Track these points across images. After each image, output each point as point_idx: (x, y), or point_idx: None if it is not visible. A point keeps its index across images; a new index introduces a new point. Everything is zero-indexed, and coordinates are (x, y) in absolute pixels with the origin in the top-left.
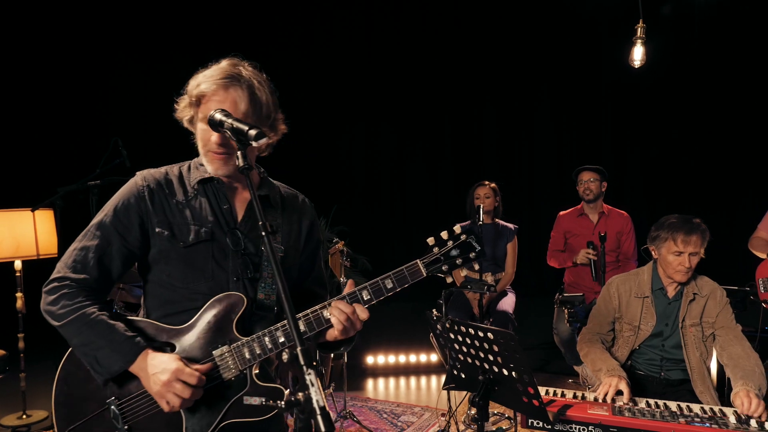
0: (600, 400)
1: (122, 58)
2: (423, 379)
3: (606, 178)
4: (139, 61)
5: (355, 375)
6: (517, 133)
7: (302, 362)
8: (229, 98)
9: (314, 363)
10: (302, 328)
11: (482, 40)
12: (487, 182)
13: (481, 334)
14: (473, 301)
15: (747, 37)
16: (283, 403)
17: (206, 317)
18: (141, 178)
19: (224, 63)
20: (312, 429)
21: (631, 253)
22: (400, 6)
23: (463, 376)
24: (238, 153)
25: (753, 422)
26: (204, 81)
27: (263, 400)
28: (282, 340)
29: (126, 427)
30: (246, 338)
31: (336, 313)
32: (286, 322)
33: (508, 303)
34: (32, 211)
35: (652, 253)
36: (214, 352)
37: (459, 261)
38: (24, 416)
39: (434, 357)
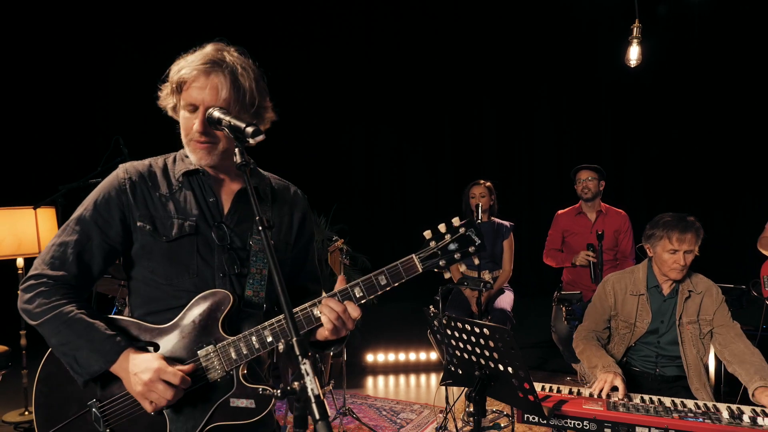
0: (595, 396)
1: (124, 57)
2: (422, 377)
3: (604, 177)
4: (141, 59)
5: (355, 373)
6: (516, 133)
7: (297, 352)
8: (210, 84)
9: (309, 354)
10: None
11: (482, 40)
12: (482, 181)
13: (477, 330)
14: (471, 299)
15: (745, 35)
16: (279, 391)
17: (191, 315)
18: (123, 170)
19: (208, 48)
20: (306, 419)
21: (629, 251)
22: (400, 6)
23: (460, 372)
24: (236, 150)
25: (746, 417)
26: (185, 66)
27: (251, 401)
28: (270, 339)
29: (108, 430)
30: (232, 338)
31: (326, 312)
32: (274, 321)
33: (506, 301)
34: (34, 209)
35: (648, 251)
36: (198, 352)
37: (457, 255)
38: (26, 413)
39: (433, 355)
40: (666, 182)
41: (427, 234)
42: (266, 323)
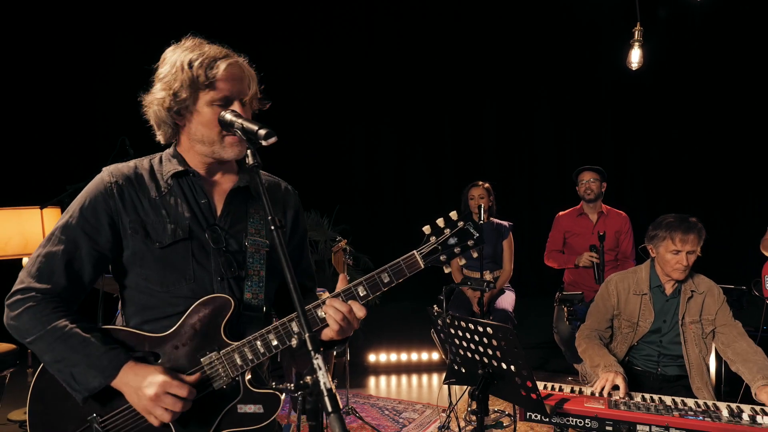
0: (597, 395)
1: (127, 57)
2: (424, 377)
3: (606, 179)
4: (146, 59)
5: (357, 373)
6: (517, 134)
7: (310, 347)
8: (245, 77)
9: (321, 348)
10: (295, 329)
11: (483, 40)
12: (480, 182)
13: (480, 329)
14: (473, 299)
15: (745, 36)
16: (292, 385)
17: (191, 322)
18: (108, 174)
19: (211, 46)
20: (320, 410)
21: (630, 252)
22: (401, 6)
23: (463, 370)
24: (248, 151)
25: (745, 416)
26: (215, 59)
27: (260, 406)
28: (275, 343)
29: None
30: (236, 343)
31: (332, 313)
32: (278, 324)
33: (507, 301)
34: (41, 208)
35: (650, 251)
36: (202, 359)
37: (457, 250)
38: None
39: (435, 355)
40: (666, 183)
41: (426, 229)
42: (270, 327)
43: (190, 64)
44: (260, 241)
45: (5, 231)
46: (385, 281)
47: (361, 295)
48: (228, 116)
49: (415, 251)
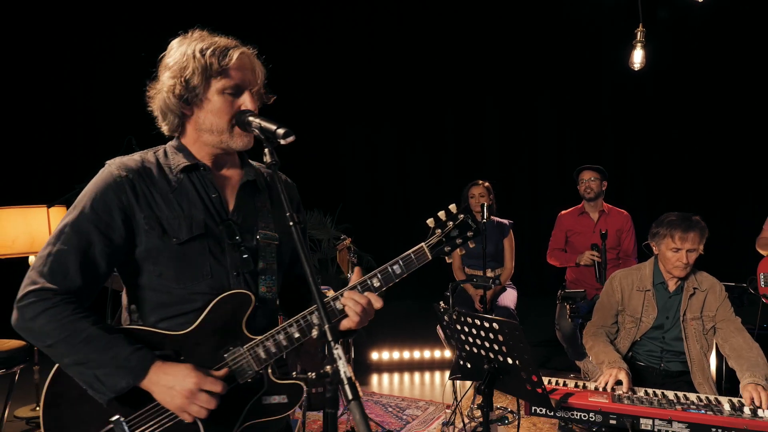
0: (600, 389)
1: (131, 57)
2: (426, 375)
3: (606, 178)
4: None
5: (361, 370)
6: (518, 134)
7: (330, 338)
8: (257, 68)
9: (340, 340)
10: (315, 320)
11: (485, 40)
12: (480, 181)
13: (486, 324)
14: (475, 297)
15: (746, 37)
16: (313, 374)
17: (212, 319)
18: (116, 167)
19: (220, 37)
20: (340, 399)
21: (631, 250)
22: (403, 5)
23: (469, 365)
24: (266, 150)
25: (746, 409)
26: (227, 48)
27: (284, 396)
28: (297, 335)
29: None
30: (259, 337)
31: (351, 305)
32: (299, 317)
33: (509, 298)
34: (48, 207)
35: (653, 248)
36: (226, 355)
37: (459, 241)
38: (37, 408)
39: (437, 353)
40: (666, 183)
41: (431, 222)
42: (291, 320)
43: (202, 52)
44: (271, 235)
45: (12, 230)
46: (397, 272)
47: (376, 286)
48: (247, 116)
49: (423, 243)
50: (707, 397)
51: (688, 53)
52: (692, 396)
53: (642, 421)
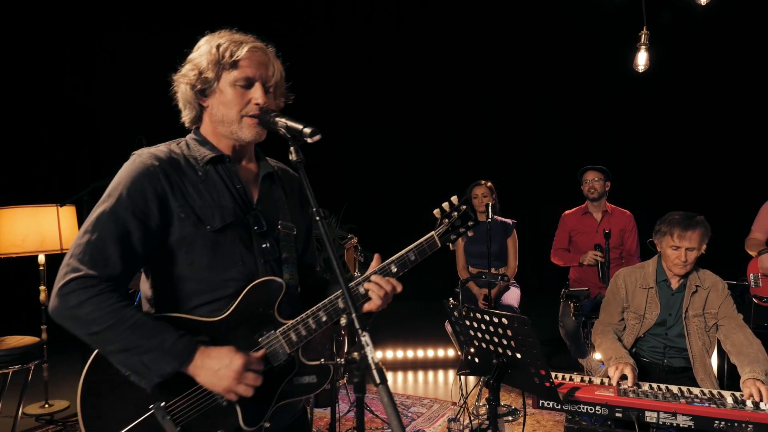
0: (606, 383)
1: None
2: (430, 373)
3: (609, 178)
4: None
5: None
6: (519, 134)
7: (357, 326)
8: (270, 62)
9: (367, 327)
10: (341, 305)
11: (487, 41)
12: (483, 181)
13: (495, 320)
14: (479, 295)
15: (746, 38)
16: (342, 360)
17: (245, 305)
18: (148, 157)
19: (241, 34)
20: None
21: (634, 249)
22: (404, 7)
23: (477, 360)
24: (291, 148)
25: (749, 402)
26: (240, 42)
27: (313, 377)
28: (325, 319)
29: (179, 428)
30: (290, 322)
31: (375, 289)
32: (326, 302)
33: (513, 297)
34: (60, 206)
35: (657, 246)
36: (261, 339)
37: (462, 230)
38: (46, 405)
39: (441, 352)
40: (666, 182)
41: (437, 213)
42: (320, 305)
43: (218, 47)
44: (290, 226)
45: (23, 228)
46: (412, 259)
47: (394, 271)
48: (273, 116)
49: (433, 232)
50: (710, 391)
51: (688, 54)
52: (696, 390)
53: (647, 414)
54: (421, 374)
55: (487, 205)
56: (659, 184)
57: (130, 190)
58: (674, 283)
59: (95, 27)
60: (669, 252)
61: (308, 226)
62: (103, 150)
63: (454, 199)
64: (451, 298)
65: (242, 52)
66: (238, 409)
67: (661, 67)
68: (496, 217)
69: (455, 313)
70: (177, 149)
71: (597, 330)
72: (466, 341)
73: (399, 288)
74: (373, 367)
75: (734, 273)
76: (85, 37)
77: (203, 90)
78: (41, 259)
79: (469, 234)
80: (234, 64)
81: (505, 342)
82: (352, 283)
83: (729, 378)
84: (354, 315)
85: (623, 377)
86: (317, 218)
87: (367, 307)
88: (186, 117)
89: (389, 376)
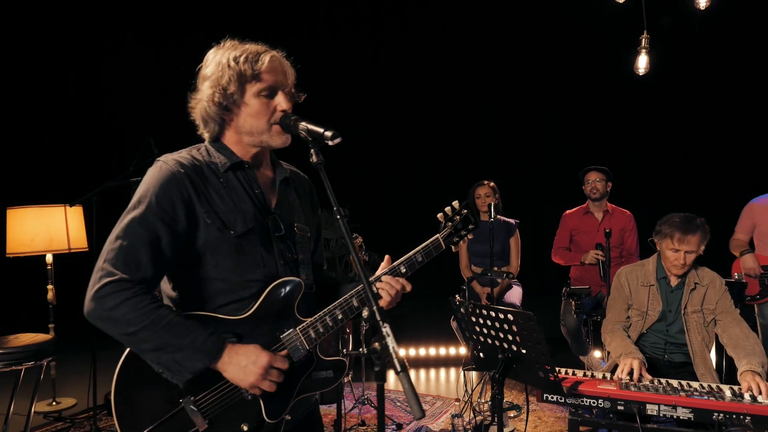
0: (608, 378)
1: (138, 58)
2: (432, 371)
3: (611, 179)
4: (158, 63)
5: (368, 368)
6: (520, 136)
7: (378, 318)
8: (288, 70)
9: (388, 319)
10: (355, 303)
11: (489, 44)
12: (486, 181)
13: (501, 315)
14: (482, 294)
15: (746, 39)
16: (363, 350)
17: (268, 304)
18: (174, 164)
19: (250, 44)
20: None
21: (634, 249)
22: (405, 6)
23: (482, 356)
24: (312, 150)
25: (747, 395)
26: (260, 53)
27: (330, 372)
28: (341, 317)
29: (207, 421)
30: (309, 319)
31: (387, 288)
32: (342, 301)
33: (515, 295)
34: (70, 206)
35: (657, 245)
36: (282, 336)
37: (463, 233)
38: (54, 403)
39: (442, 350)
40: (666, 183)
41: (440, 217)
42: (336, 303)
43: (236, 60)
44: (304, 228)
45: (31, 228)
46: (419, 260)
47: (403, 272)
48: (293, 120)
49: (438, 235)
50: (709, 385)
51: (688, 55)
52: (695, 384)
53: (648, 406)
54: (423, 372)
55: (489, 205)
56: (659, 185)
57: (158, 196)
58: (673, 281)
59: (104, 28)
60: (669, 254)
61: (317, 228)
62: (111, 151)
63: (456, 203)
64: (457, 295)
65: (263, 63)
66: (262, 403)
67: (660, 68)
68: (499, 217)
69: (461, 309)
70: (198, 155)
71: (606, 328)
72: (472, 337)
73: (408, 287)
74: (394, 356)
75: (730, 271)
76: (93, 38)
77: (226, 105)
78: (49, 258)
79: (469, 237)
80: (256, 76)
81: (510, 337)
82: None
83: (728, 373)
84: (375, 308)
85: (630, 372)
86: (338, 217)
87: (367, 312)
88: (207, 132)
89: (391, 373)
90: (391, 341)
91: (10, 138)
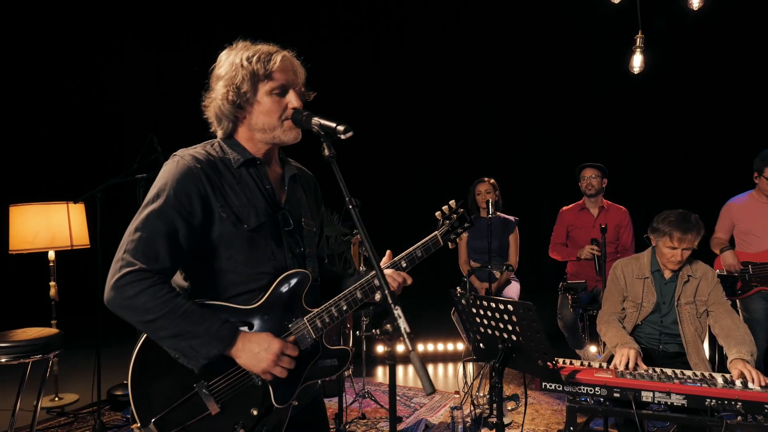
0: (604, 367)
1: (140, 58)
2: (431, 367)
3: (606, 175)
4: (161, 61)
5: (368, 363)
6: (517, 135)
7: (390, 302)
8: (298, 69)
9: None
10: (359, 295)
11: (486, 44)
12: (486, 178)
13: (501, 306)
14: (481, 289)
15: (741, 39)
16: (377, 331)
17: (277, 294)
18: (190, 158)
19: (262, 44)
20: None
21: (629, 244)
22: (404, 5)
23: (483, 346)
24: (324, 144)
25: (738, 382)
26: (271, 53)
27: (335, 360)
28: (345, 308)
29: (219, 404)
30: (316, 310)
31: (390, 280)
32: (346, 292)
33: (513, 291)
34: (74, 203)
35: (652, 241)
36: (290, 325)
37: (459, 231)
38: (56, 398)
39: (440, 346)
40: (661, 180)
41: (438, 215)
42: (341, 295)
43: (249, 60)
44: (311, 223)
45: (34, 225)
46: (419, 255)
47: (403, 266)
48: (305, 116)
49: (437, 232)
50: (702, 373)
51: (683, 55)
52: (688, 372)
53: (643, 393)
54: None
55: (488, 202)
56: (654, 182)
57: (176, 190)
58: (667, 273)
59: (107, 26)
60: (665, 251)
61: (321, 222)
62: (114, 148)
63: (452, 202)
64: (458, 287)
65: (275, 63)
66: (271, 388)
67: (656, 68)
68: (499, 213)
69: (462, 301)
70: (212, 151)
71: (602, 319)
72: (472, 328)
73: (409, 280)
74: (405, 336)
75: None
76: (96, 36)
77: (239, 103)
78: (51, 255)
79: (464, 235)
80: (268, 75)
81: (510, 327)
82: (368, 276)
83: (720, 365)
84: (387, 291)
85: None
86: (350, 207)
87: (380, 296)
88: (221, 129)
89: (379, 369)
90: (402, 322)
91: (13, 135)
